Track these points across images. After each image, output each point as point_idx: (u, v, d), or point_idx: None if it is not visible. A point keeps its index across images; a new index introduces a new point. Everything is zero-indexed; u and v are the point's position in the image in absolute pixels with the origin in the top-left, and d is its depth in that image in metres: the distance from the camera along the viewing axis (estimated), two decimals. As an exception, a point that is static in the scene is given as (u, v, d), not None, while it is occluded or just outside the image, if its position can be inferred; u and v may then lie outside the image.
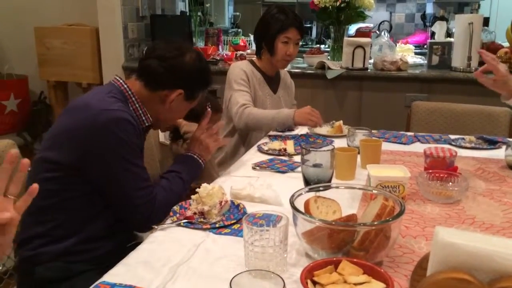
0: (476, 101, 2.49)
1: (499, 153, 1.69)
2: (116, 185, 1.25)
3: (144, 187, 1.29)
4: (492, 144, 1.85)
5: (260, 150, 1.80)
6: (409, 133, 2.08)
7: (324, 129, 2.10)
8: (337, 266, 0.83)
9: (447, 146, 1.72)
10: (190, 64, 1.37)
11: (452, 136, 1.98)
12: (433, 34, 3.29)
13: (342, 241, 0.92)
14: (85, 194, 1.26)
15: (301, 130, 2.12)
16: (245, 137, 2.22)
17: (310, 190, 1.06)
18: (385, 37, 3.18)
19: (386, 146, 1.87)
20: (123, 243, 1.33)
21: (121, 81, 1.35)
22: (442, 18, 3.59)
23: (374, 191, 1.06)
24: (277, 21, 2.15)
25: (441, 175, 1.34)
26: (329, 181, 1.22)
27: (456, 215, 1.19)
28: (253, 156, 1.75)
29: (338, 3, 3.05)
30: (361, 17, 3.18)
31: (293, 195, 1.00)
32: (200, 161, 1.53)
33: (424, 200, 1.29)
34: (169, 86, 1.35)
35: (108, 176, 1.25)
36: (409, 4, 5.85)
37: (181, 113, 1.47)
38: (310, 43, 5.56)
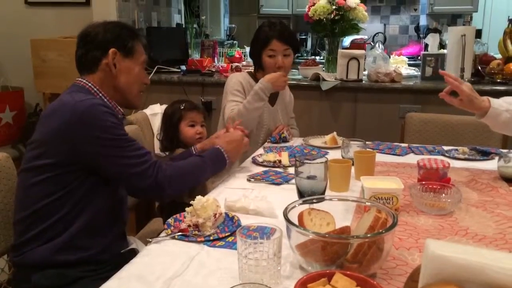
0: (470, 112, 2.50)
1: (492, 164, 1.70)
2: (115, 161, 1.28)
3: (142, 154, 1.32)
4: (485, 155, 1.86)
5: (255, 161, 1.81)
6: (403, 145, 2.09)
7: (319, 141, 2.11)
8: (331, 278, 0.83)
9: (440, 157, 1.73)
10: (102, 25, 1.40)
11: (446, 147, 2.00)
12: (426, 46, 3.32)
13: (336, 254, 0.93)
14: (76, 188, 1.28)
15: (296, 142, 2.13)
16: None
17: (304, 202, 1.06)
18: (379, 49, 3.21)
19: (380, 157, 1.89)
20: (117, 245, 1.33)
21: (84, 80, 1.39)
22: (435, 30, 3.63)
23: (367, 203, 1.07)
24: (260, 36, 2.18)
25: (434, 187, 1.35)
26: (323, 193, 1.23)
27: (449, 226, 1.20)
28: (247, 167, 1.75)
29: (332, 16, 3.08)
30: (355, 29, 3.21)
31: (286, 208, 1.01)
32: (226, 157, 1.56)
33: (417, 211, 1.30)
34: (99, 54, 1.37)
35: (104, 157, 1.27)
36: (403, 16, 5.92)
37: (136, 73, 1.44)
38: (305, 54, 5.60)
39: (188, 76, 3.30)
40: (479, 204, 1.35)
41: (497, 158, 1.68)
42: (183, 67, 3.48)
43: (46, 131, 1.28)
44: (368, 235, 0.91)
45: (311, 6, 3.14)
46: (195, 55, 3.99)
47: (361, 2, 3.21)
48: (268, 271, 0.92)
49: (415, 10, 5.84)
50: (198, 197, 1.20)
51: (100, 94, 1.38)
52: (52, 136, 1.26)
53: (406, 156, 1.91)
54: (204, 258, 1.04)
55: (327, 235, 0.92)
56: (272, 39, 2.12)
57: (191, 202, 1.19)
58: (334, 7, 3.07)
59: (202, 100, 3.20)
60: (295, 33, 2.25)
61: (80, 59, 1.40)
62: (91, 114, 1.25)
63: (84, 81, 1.38)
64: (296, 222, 1.01)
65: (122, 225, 1.43)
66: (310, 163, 1.24)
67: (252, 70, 2.30)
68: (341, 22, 3.12)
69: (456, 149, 1.95)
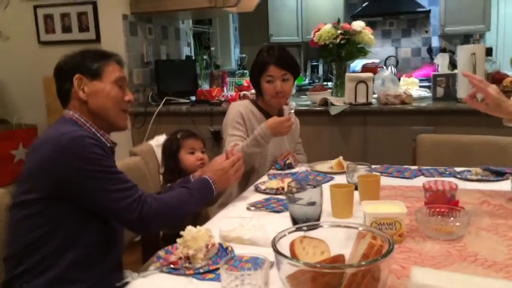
0: (484, 132, 2.41)
1: (506, 185, 1.61)
2: (97, 195, 1.25)
3: (127, 188, 1.29)
4: (500, 175, 1.77)
5: (257, 189, 1.75)
6: (413, 167, 2.01)
7: (325, 166, 2.05)
8: (321, 312, 0.77)
9: (448, 179, 1.65)
10: (67, 56, 1.40)
11: (458, 169, 1.91)
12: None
13: (327, 285, 0.86)
14: (64, 222, 1.24)
15: (302, 168, 2.07)
16: (246, 179, 2.16)
17: (296, 230, 1.00)
18: (387, 71, 3.16)
19: (388, 181, 1.82)
20: (111, 278, 1.29)
21: (70, 112, 1.38)
22: (445, 50, 3.57)
23: (360, 228, 1.00)
24: (257, 62, 2.16)
25: (441, 210, 1.27)
26: (318, 219, 1.16)
27: (458, 252, 1.12)
28: (249, 196, 1.70)
29: (338, 40, 3.06)
30: (362, 52, 3.17)
31: (275, 237, 0.95)
32: (214, 187, 1.52)
33: (423, 237, 1.22)
34: (68, 84, 1.37)
35: (86, 190, 1.24)
36: (414, 39, 5.89)
37: (107, 93, 1.39)
38: (317, 81, 5.58)
39: (196, 107, 3.30)
40: (490, 227, 1.26)
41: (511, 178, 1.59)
42: (193, 98, 3.49)
43: (31, 166, 1.26)
44: (359, 264, 0.85)
45: (316, 31, 3.13)
46: (205, 86, 4.00)
47: (371, 26, 3.19)
48: (255, 305, 0.86)
49: (426, 32, 5.81)
50: (189, 228, 1.16)
51: (87, 124, 1.36)
52: (37, 170, 1.24)
53: (416, 179, 1.83)
54: (191, 293, 0.98)
55: (317, 265, 0.86)
56: (270, 64, 2.10)
57: (181, 233, 1.15)
58: (339, 31, 3.05)
59: (211, 129, 3.19)
60: (293, 58, 2.21)
61: (57, 94, 1.41)
62: (73, 146, 1.22)
63: (71, 112, 1.38)
64: (288, 251, 0.96)
65: (116, 257, 1.38)
66: (303, 189, 1.18)
67: (256, 98, 2.27)
68: (347, 46, 3.09)
69: (469, 170, 1.87)
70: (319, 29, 3.13)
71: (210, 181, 1.52)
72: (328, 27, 3.09)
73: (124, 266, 1.44)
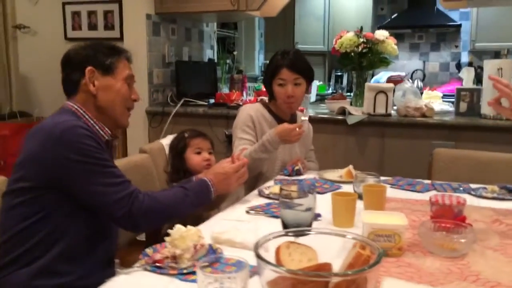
0: (508, 150, 2.31)
1: (523, 204, 1.52)
2: (87, 188, 1.23)
3: (118, 182, 1.27)
4: (517, 194, 1.68)
5: (261, 193, 1.71)
6: (426, 181, 1.93)
7: (334, 175, 1.99)
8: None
9: (462, 195, 1.57)
10: (80, 47, 1.40)
11: (473, 185, 1.82)
12: (467, 82, 3.15)
13: (308, 294, 0.81)
14: (53, 212, 1.23)
15: (310, 175, 2.01)
16: (254, 183, 2.12)
17: (281, 235, 0.95)
18: (408, 82, 3.07)
19: (398, 193, 1.75)
20: (100, 273, 1.26)
21: (70, 103, 1.36)
22: (471, 64, 3.46)
23: (348, 236, 0.95)
24: (271, 65, 2.12)
25: (446, 226, 1.20)
26: (310, 225, 1.11)
27: (459, 270, 1.04)
28: (251, 199, 1.66)
29: (360, 49, 3.00)
30: (385, 62, 3.10)
31: (258, 241, 0.90)
32: (212, 190, 1.48)
33: (425, 252, 1.15)
34: (77, 75, 1.35)
35: (76, 182, 1.22)
36: (443, 53, 5.75)
37: (117, 90, 1.39)
38: (340, 91, 5.50)
39: (213, 109, 3.28)
40: (499, 247, 1.18)
41: (528, 197, 1.50)
42: (212, 101, 3.47)
43: (25, 154, 1.25)
44: (344, 273, 0.79)
45: (338, 39, 3.08)
46: (225, 90, 3.99)
47: (399, 39, 3.11)
48: (231, 310, 0.82)
49: (456, 46, 5.66)
50: (178, 226, 1.12)
51: (86, 116, 1.35)
52: (29, 158, 1.23)
53: (427, 193, 1.75)
54: (171, 293, 0.94)
55: (298, 272, 0.81)
56: (282, 68, 2.06)
57: (169, 231, 1.11)
58: (361, 40, 2.99)
59: (226, 133, 3.15)
60: (307, 62, 2.16)
61: (63, 83, 1.40)
62: (66, 136, 1.21)
63: (71, 103, 1.36)
64: (273, 257, 0.91)
65: (107, 252, 1.36)
66: (295, 192, 1.13)
67: (268, 101, 2.23)
68: (369, 55, 3.02)
69: (485, 187, 1.78)
70: (341, 37, 3.07)
71: (209, 183, 1.48)
72: (350, 35, 3.03)
73: (127, 264, 1.40)
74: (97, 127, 1.36)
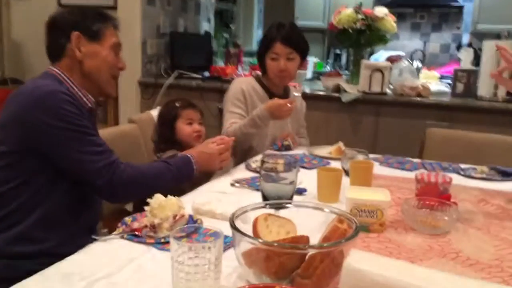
0: (503, 132, 2.29)
1: (510, 186, 1.50)
2: (66, 154, 1.21)
3: (100, 151, 1.25)
4: (506, 175, 1.66)
5: (248, 167, 1.69)
6: (415, 160, 1.92)
7: (324, 151, 1.97)
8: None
9: (450, 174, 1.55)
10: (66, 11, 1.36)
11: (463, 165, 1.81)
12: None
13: (282, 266, 0.79)
14: (33, 177, 1.21)
15: (299, 151, 1.99)
16: (243, 157, 2.10)
17: (259, 207, 0.93)
18: (406, 61, 3.02)
19: (386, 171, 1.74)
20: (81, 239, 1.24)
21: (54, 68, 1.32)
22: (470, 45, 3.40)
23: (325, 209, 0.93)
24: (265, 38, 2.08)
25: (430, 203, 1.19)
26: (291, 198, 1.09)
27: (439, 247, 1.03)
28: (238, 173, 1.64)
29: (358, 26, 2.94)
30: (383, 40, 3.04)
31: (234, 212, 0.88)
32: (194, 167, 1.45)
33: (407, 229, 1.14)
34: (64, 40, 1.31)
35: (55, 147, 1.20)
36: (445, 34, 5.67)
37: (104, 57, 1.36)
38: (339, 69, 5.44)
39: (207, 82, 3.23)
40: (482, 226, 1.17)
41: (517, 178, 1.48)
42: (206, 74, 3.43)
43: (4, 118, 1.23)
44: (318, 245, 0.78)
45: (336, 15, 3.01)
46: (221, 63, 3.93)
47: (400, 18, 3.05)
48: (203, 281, 0.80)
49: (458, 28, 5.58)
50: (157, 195, 1.10)
51: (70, 82, 1.31)
52: (9, 121, 1.21)
53: (416, 172, 1.73)
54: (145, 261, 0.93)
55: (274, 244, 0.79)
56: (276, 41, 2.01)
57: (148, 200, 1.09)
58: (360, 16, 2.93)
59: (219, 106, 3.11)
60: (303, 37, 2.11)
61: (48, 48, 1.36)
62: (47, 100, 1.18)
63: (55, 69, 1.33)
64: (250, 229, 0.89)
65: (87, 221, 1.34)
66: (276, 163, 1.11)
67: (260, 75, 2.20)
68: (367, 33, 2.97)
69: (474, 168, 1.76)
70: (340, 12, 3.01)
71: (192, 160, 1.45)
72: (349, 11, 2.96)
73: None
74: (80, 94, 1.32)
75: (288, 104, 1.89)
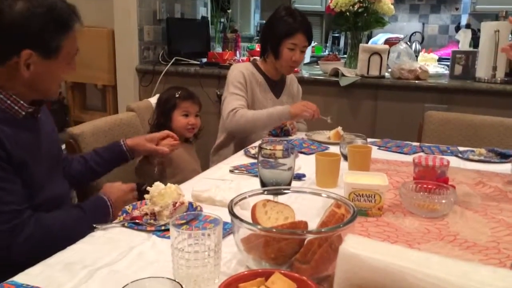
0: (501, 114, 2.29)
1: (508, 168, 1.51)
2: None
3: (3, 211, 1.05)
4: (504, 157, 1.67)
5: (246, 153, 1.70)
6: (414, 143, 1.92)
7: (322, 136, 1.98)
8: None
9: (448, 157, 1.56)
10: (25, 10, 1.07)
11: (461, 148, 1.81)
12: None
13: (280, 251, 0.80)
14: None
15: (298, 136, 2.00)
16: (243, 143, 2.11)
17: (255, 194, 0.94)
18: (404, 44, 3.01)
19: (385, 155, 1.75)
20: None
21: None
22: (468, 26, 3.38)
23: (323, 195, 0.94)
24: (285, 25, 2.06)
25: (428, 186, 1.20)
26: (289, 184, 1.10)
27: (437, 230, 1.04)
28: (237, 159, 1.64)
29: (355, 8, 2.92)
30: (380, 23, 3.03)
31: (233, 199, 0.89)
32: (111, 210, 1.28)
33: (405, 213, 1.15)
34: (9, 50, 1.08)
35: None
36: (443, 16, 5.63)
37: (59, 75, 1.19)
38: (337, 53, 5.41)
39: (205, 69, 3.22)
40: (479, 208, 1.18)
41: (514, 160, 1.49)
42: (204, 60, 3.41)
43: None
44: (317, 230, 0.79)
45: (334, -3, 2.99)
46: (218, 49, 3.91)
47: (399, 0, 3.02)
48: (203, 267, 0.81)
49: (457, 9, 5.53)
50: (157, 183, 1.11)
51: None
52: None
53: (414, 156, 1.74)
54: (147, 249, 0.94)
55: (272, 229, 0.80)
56: (298, 32, 2.03)
57: (148, 188, 1.10)
58: (357, -2, 2.91)
59: (218, 92, 3.12)
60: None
61: None
62: None
63: None
64: (249, 215, 0.90)
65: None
66: (273, 150, 1.12)
67: (257, 60, 2.19)
68: (364, 15, 2.95)
69: (472, 150, 1.77)
70: (337, -5, 2.98)
71: (109, 203, 1.28)
72: (346, -7, 2.94)
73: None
74: (8, 101, 1.12)
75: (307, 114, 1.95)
